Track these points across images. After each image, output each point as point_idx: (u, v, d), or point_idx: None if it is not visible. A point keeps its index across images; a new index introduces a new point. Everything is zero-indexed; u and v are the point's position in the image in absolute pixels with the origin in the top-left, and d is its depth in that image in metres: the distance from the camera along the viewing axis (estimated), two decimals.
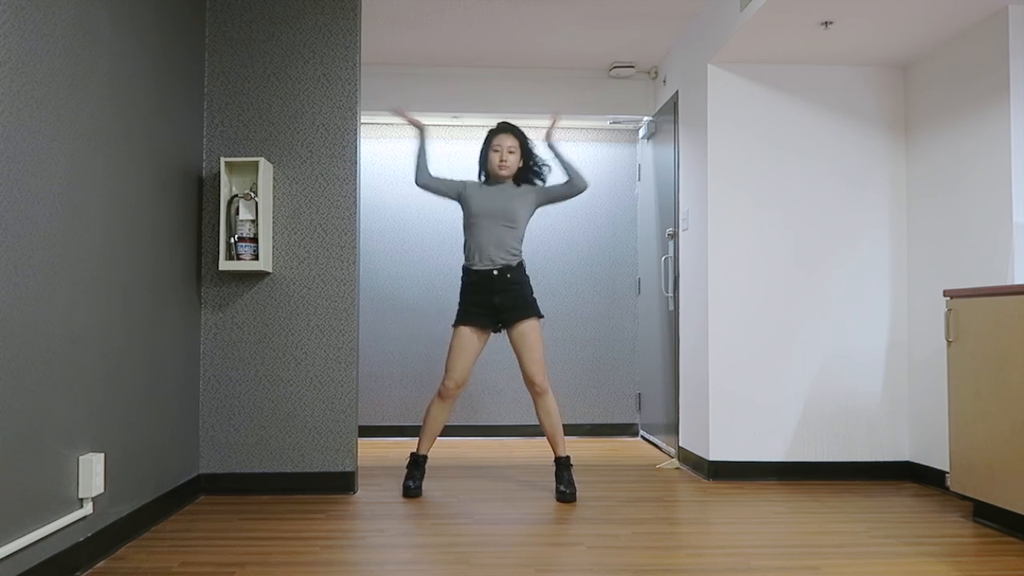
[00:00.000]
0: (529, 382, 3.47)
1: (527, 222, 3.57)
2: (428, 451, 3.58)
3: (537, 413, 3.52)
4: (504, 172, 3.52)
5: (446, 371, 3.48)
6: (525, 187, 3.58)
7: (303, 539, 2.78)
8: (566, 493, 3.39)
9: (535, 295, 3.55)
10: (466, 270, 3.53)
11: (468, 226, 3.55)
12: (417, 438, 3.65)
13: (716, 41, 3.81)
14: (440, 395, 3.50)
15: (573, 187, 3.55)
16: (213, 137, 3.50)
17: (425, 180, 3.62)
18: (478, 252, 3.48)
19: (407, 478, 3.52)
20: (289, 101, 3.54)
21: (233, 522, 3.01)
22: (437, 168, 5.39)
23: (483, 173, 3.63)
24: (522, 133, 3.58)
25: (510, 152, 3.51)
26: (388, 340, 5.37)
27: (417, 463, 3.55)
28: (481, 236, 3.48)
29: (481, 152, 3.62)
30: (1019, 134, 3.23)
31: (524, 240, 3.57)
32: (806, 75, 3.96)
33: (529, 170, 3.59)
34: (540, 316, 3.52)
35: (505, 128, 3.57)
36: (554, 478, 3.51)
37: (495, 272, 3.46)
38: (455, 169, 5.42)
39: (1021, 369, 2.76)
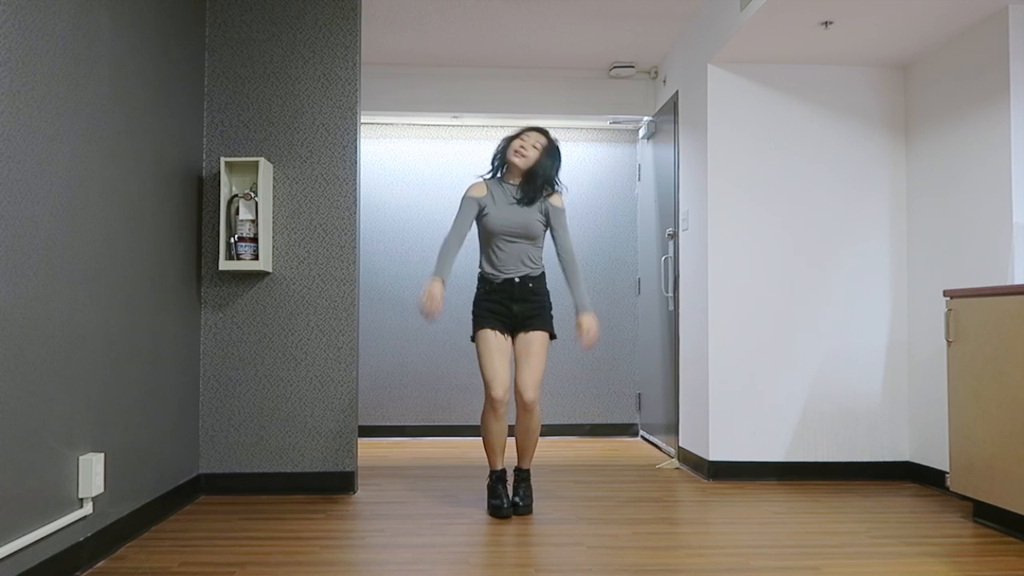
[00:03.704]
0: (518, 394, 3.18)
1: (544, 236, 3.31)
2: (502, 464, 3.29)
3: (516, 427, 3.27)
4: (519, 161, 3.22)
5: (485, 383, 3.17)
6: (537, 205, 3.27)
7: (303, 539, 2.78)
8: (520, 505, 3.20)
9: (553, 307, 3.32)
10: (484, 279, 3.28)
11: (486, 243, 3.29)
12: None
13: (716, 41, 3.81)
14: (491, 408, 3.19)
15: (569, 266, 3.31)
16: (213, 137, 3.50)
17: (456, 243, 3.31)
18: (499, 267, 3.23)
19: (491, 498, 3.24)
20: (289, 101, 3.54)
21: (233, 522, 3.01)
22: (434, 175, 5.45)
23: (497, 169, 3.36)
24: (553, 141, 3.30)
25: (534, 147, 3.24)
26: (388, 340, 5.37)
27: (501, 479, 3.26)
28: (501, 254, 3.24)
29: (501, 145, 3.34)
30: (1019, 134, 3.23)
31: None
32: (806, 75, 3.96)
33: (542, 183, 3.27)
34: (553, 335, 3.28)
35: (537, 128, 3.31)
36: (511, 488, 3.28)
37: (516, 280, 3.21)
38: (453, 169, 5.44)
39: (1021, 369, 2.76)
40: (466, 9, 4.11)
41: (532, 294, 3.24)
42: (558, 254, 3.32)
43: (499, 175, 3.35)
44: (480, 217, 3.27)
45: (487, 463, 3.37)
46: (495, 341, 3.20)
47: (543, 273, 3.31)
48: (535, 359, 3.20)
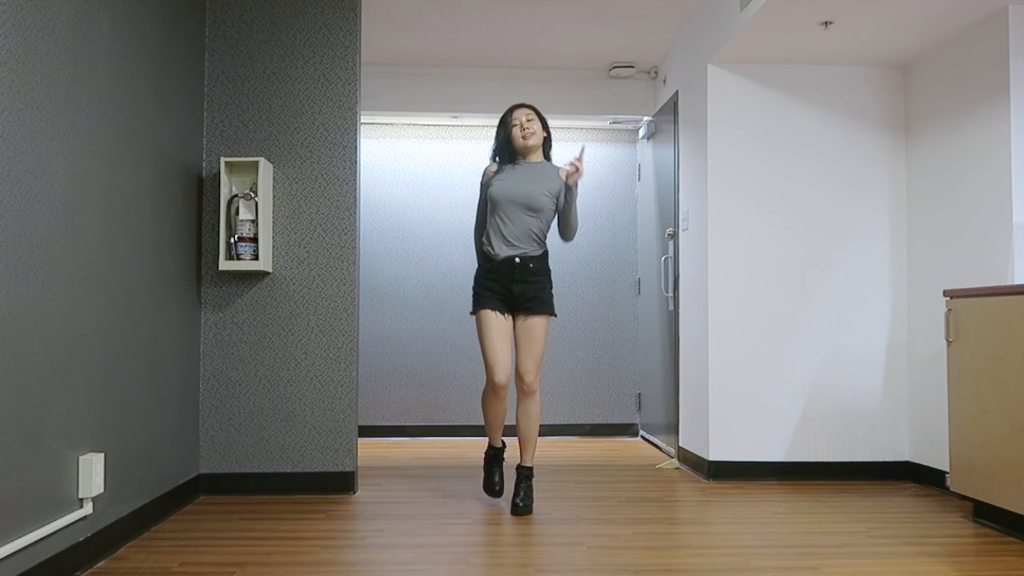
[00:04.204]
0: (519, 378, 3.24)
1: (554, 209, 3.29)
2: (500, 441, 3.36)
3: (517, 414, 3.30)
4: (531, 141, 3.28)
5: (487, 368, 3.22)
6: (554, 168, 3.33)
7: (303, 539, 2.78)
8: (520, 506, 3.17)
9: (553, 291, 3.33)
10: (485, 257, 3.30)
11: (492, 215, 3.30)
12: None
13: (716, 41, 3.81)
14: (492, 392, 3.25)
15: (566, 227, 3.35)
16: (213, 137, 3.50)
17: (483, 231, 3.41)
18: (501, 242, 3.24)
19: (485, 475, 3.36)
20: (289, 101, 3.54)
21: (233, 522, 3.01)
22: (434, 175, 5.46)
23: (504, 155, 3.36)
24: (534, 107, 3.37)
25: (529, 120, 3.30)
26: (388, 340, 5.37)
27: (497, 457, 3.35)
28: (503, 227, 3.24)
29: (498, 137, 3.36)
30: (1019, 134, 3.23)
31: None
32: (806, 75, 3.96)
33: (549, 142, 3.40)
34: (553, 315, 3.30)
35: (516, 105, 3.36)
36: (513, 488, 3.27)
37: (517, 260, 3.22)
38: (453, 169, 5.44)
39: (1021, 369, 2.76)
40: (466, 9, 4.11)
41: (532, 275, 3.25)
42: (560, 227, 3.36)
43: (509, 161, 3.35)
44: (488, 192, 3.32)
45: (486, 461, 3.42)
46: (496, 322, 3.24)
47: (545, 252, 3.31)
48: (535, 345, 3.26)
